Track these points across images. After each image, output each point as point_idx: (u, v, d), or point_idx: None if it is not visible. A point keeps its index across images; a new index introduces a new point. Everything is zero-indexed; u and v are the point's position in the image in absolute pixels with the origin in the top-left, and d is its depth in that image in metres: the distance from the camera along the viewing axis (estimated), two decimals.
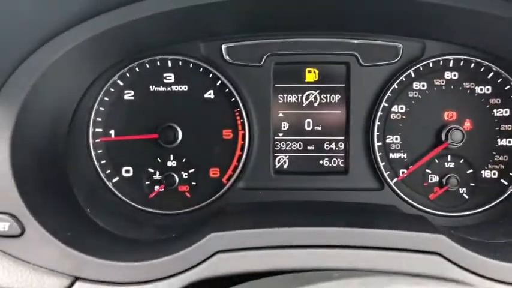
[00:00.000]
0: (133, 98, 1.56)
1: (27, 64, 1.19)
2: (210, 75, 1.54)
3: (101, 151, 1.56)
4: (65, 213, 1.26)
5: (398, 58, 1.52)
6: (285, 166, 1.59)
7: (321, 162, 1.58)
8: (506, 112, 1.52)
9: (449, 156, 1.54)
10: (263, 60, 1.53)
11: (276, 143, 1.58)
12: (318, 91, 1.57)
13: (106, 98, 1.55)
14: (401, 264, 1.08)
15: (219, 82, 1.54)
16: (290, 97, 1.57)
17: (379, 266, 1.07)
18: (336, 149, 1.58)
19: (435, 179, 1.55)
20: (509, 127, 1.52)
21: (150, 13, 1.27)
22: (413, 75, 1.53)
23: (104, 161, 1.56)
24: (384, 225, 1.16)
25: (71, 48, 1.26)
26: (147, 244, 1.26)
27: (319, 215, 1.32)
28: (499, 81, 1.52)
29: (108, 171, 1.56)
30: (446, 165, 1.54)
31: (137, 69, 1.55)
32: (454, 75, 1.53)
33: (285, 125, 1.58)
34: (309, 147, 1.58)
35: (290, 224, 1.14)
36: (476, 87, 1.53)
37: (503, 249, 1.20)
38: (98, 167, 1.55)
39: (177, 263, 1.08)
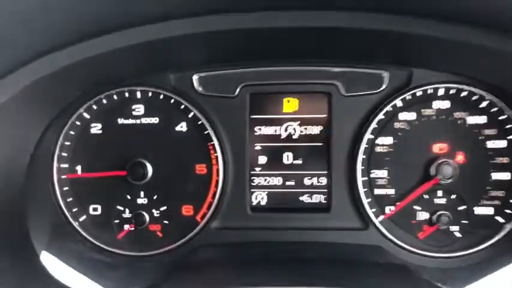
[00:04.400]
0: (100, 131, 1.46)
1: None
2: (182, 107, 1.44)
3: (66, 188, 1.47)
4: (14, 268, 1.16)
5: (383, 87, 1.41)
6: (262, 203, 1.48)
7: (301, 198, 1.48)
8: (501, 144, 1.40)
9: (439, 192, 1.43)
10: (237, 91, 1.43)
11: (253, 178, 1.48)
12: (298, 122, 1.46)
13: (72, 132, 1.46)
14: None
15: (191, 114, 1.44)
16: (267, 129, 1.47)
17: None
18: (318, 184, 1.47)
19: (424, 216, 1.44)
20: (506, 160, 1.40)
21: (112, 48, 1.17)
22: (400, 104, 1.42)
23: (70, 199, 1.47)
24: (363, 282, 1.06)
25: (25, 85, 1.17)
26: None
27: (294, 265, 1.21)
28: (493, 110, 1.40)
29: (75, 210, 1.47)
30: (437, 201, 1.43)
31: (104, 101, 1.45)
32: (444, 105, 1.42)
33: (262, 159, 1.47)
34: (288, 183, 1.48)
35: (259, 282, 1.04)
36: (468, 118, 1.41)
37: None
38: (63, 206, 1.46)
39: None
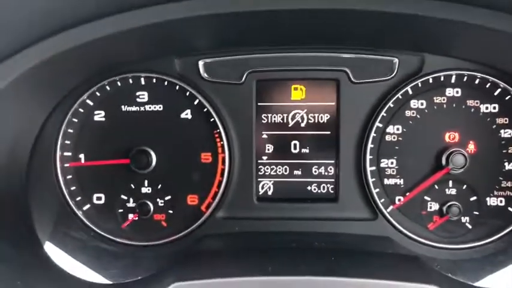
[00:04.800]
0: (104, 119, 1.43)
1: None
2: (187, 94, 1.41)
3: (70, 177, 1.44)
4: (18, 257, 1.14)
5: (393, 74, 1.37)
6: (269, 192, 1.45)
7: (308, 188, 1.45)
8: None
9: (450, 182, 1.39)
10: (244, 77, 1.39)
11: (260, 167, 1.45)
12: (305, 110, 1.43)
13: (75, 119, 1.43)
14: None
15: (197, 101, 1.41)
16: (275, 117, 1.43)
17: None
18: (325, 173, 1.44)
19: (435, 207, 1.40)
20: None
21: (116, 31, 1.14)
22: (410, 92, 1.38)
23: (74, 188, 1.44)
24: (371, 272, 1.03)
25: (26, 70, 1.14)
26: None
27: (301, 255, 1.18)
28: (506, 98, 1.37)
29: (78, 199, 1.45)
30: (447, 191, 1.40)
31: (108, 87, 1.42)
32: (457, 92, 1.38)
33: (269, 148, 1.44)
34: (295, 172, 1.45)
35: (266, 272, 1.02)
36: (481, 106, 1.38)
37: None
38: (66, 194, 1.43)
39: None
